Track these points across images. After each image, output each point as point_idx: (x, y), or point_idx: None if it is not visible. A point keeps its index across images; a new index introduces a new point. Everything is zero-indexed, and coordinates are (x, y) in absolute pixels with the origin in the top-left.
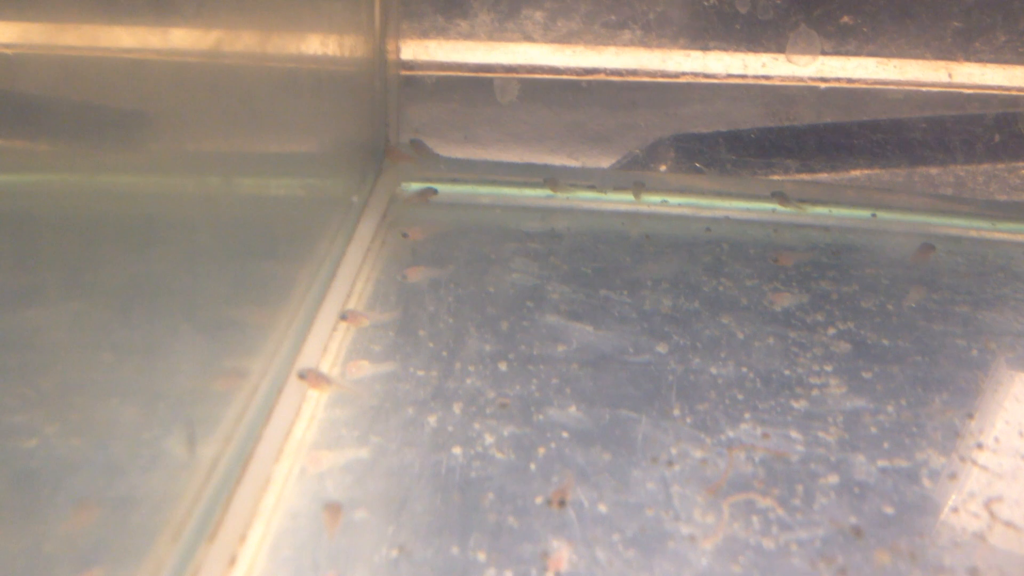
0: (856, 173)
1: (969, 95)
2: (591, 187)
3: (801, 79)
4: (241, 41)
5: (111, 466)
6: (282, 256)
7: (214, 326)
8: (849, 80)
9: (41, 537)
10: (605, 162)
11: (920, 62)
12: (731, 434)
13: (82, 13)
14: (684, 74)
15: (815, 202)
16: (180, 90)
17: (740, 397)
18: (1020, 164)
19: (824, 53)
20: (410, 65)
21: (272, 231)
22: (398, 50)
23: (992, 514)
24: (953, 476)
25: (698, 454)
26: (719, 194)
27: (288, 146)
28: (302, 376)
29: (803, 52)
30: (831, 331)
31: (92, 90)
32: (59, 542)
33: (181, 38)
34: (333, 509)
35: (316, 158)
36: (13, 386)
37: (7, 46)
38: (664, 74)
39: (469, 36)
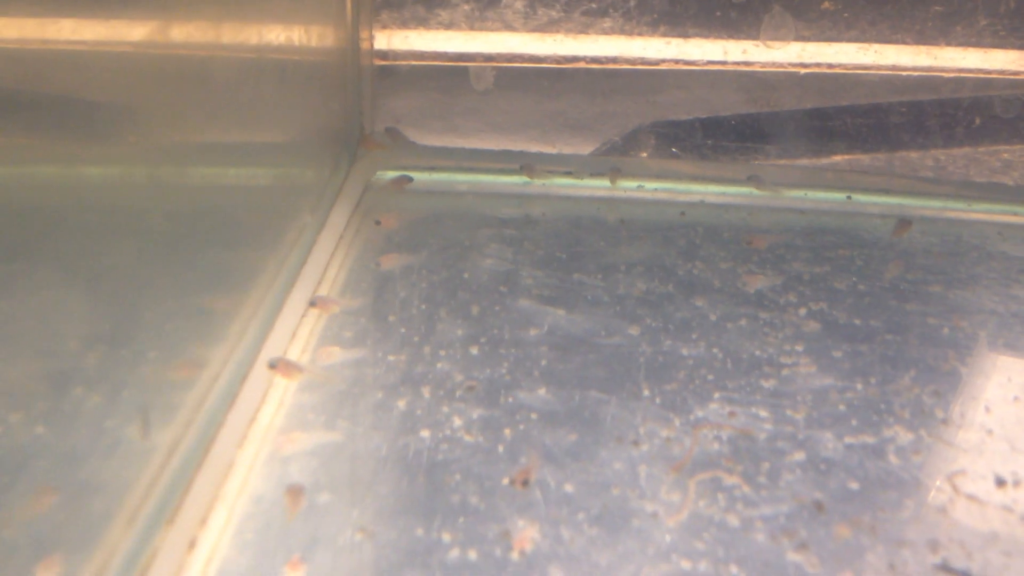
0: (836, 158)
1: (949, 79)
2: (568, 173)
3: (781, 65)
4: (205, 31)
5: (72, 454)
6: (248, 245)
7: (178, 314)
8: (829, 65)
9: (1, 524)
10: (585, 150)
11: (901, 47)
12: (699, 414)
13: (41, 5)
14: (664, 61)
15: (791, 185)
16: (144, 80)
17: (710, 377)
18: (1000, 147)
19: (804, 39)
20: (388, 55)
21: (237, 220)
22: (372, 39)
23: (955, 487)
24: (918, 451)
25: (665, 433)
26: (695, 179)
27: (254, 135)
28: (272, 366)
29: (779, 36)
30: (803, 311)
31: (54, 82)
32: (18, 528)
33: (144, 28)
34: (295, 492)
35: (284, 147)
36: None
37: None
38: (644, 61)
39: (450, 26)
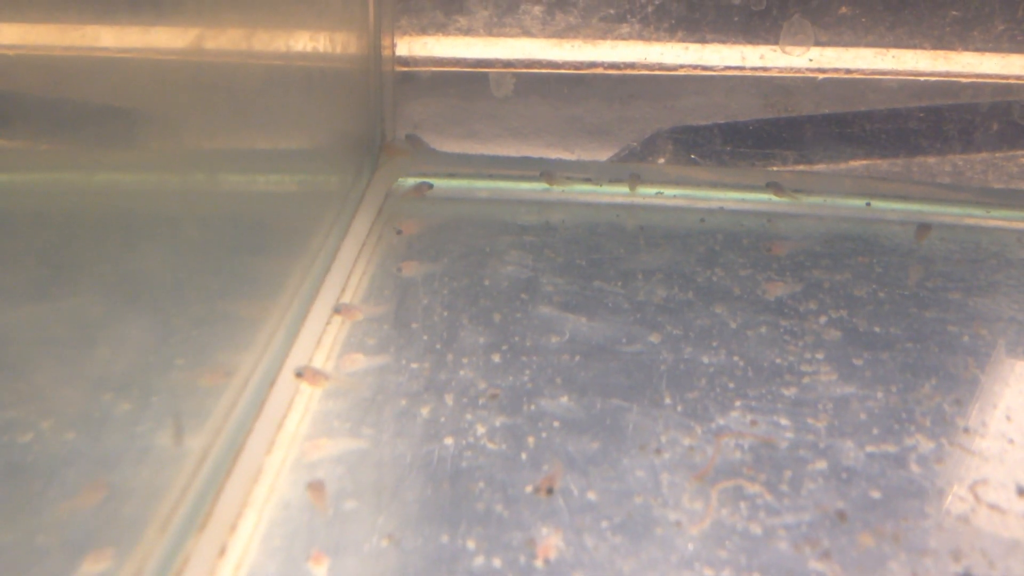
0: (854, 163)
1: (967, 84)
2: (587, 180)
3: (799, 70)
4: (234, 39)
5: (103, 459)
6: (276, 251)
7: (207, 321)
8: (847, 71)
9: (34, 529)
10: (603, 156)
11: (918, 52)
12: (721, 422)
13: (77, 13)
14: (682, 67)
15: (810, 192)
16: (174, 88)
17: (731, 385)
18: (1018, 152)
19: (821, 44)
20: (408, 61)
21: (265, 226)
22: (393, 46)
23: (977, 497)
24: (940, 460)
25: (687, 442)
26: (714, 185)
27: (281, 142)
28: (299, 374)
29: (797, 42)
30: (823, 319)
31: (88, 89)
32: (51, 534)
33: (174, 37)
34: (316, 487)
35: (310, 154)
36: (8, 382)
37: (15, 47)
38: (662, 67)
39: (468, 32)
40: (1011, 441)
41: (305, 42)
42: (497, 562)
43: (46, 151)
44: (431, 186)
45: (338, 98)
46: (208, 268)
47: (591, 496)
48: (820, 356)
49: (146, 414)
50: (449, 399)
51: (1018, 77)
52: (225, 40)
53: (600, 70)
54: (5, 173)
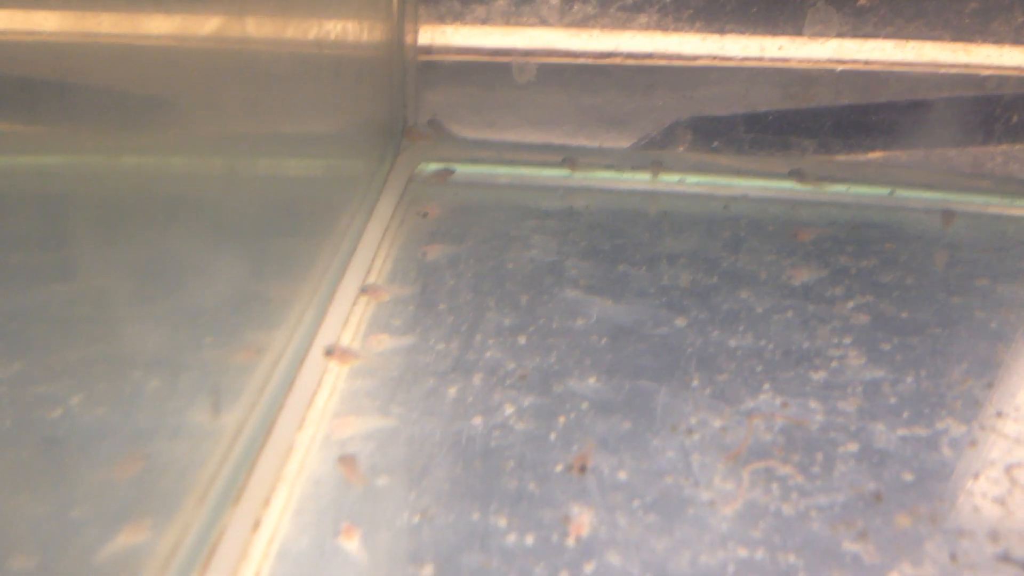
0: (874, 154)
1: (987, 76)
2: (609, 167)
3: (818, 61)
4: (262, 26)
5: (136, 434)
6: (304, 233)
7: (238, 300)
8: (866, 62)
9: (68, 502)
10: (623, 145)
11: (938, 43)
12: (751, 404)
13: (114, 2)
14: (701, 57)
15: (833, 180)
16: (207, 76)
17: (759, 368)
18: None
19: (842, 35)
20: (428, 50)
21: (294, 209)
22: (416, 34)
23: (1013, 480)
24: (973, 443)
25: (717, 423)
26: (737, 173)
27: (309, 128)
28: (329, 353)
29: (820, 32)
30: (850, 304)
31: (125, 77)
32: (90, 503)
33: (205, 24)
34: (348, 460)
35: (336, 139)
36: (40, 357)
37: (48, 34)
38: (681, 57)
39: (486, 21)
40: None
41: (331, 30)
42: (530, 539)
43: (84, 135)
44: (453, 171)
45: (362, 85)
46: (239, 249)
47: (622, 476)
48: (848, 341)
49: (177, 390)
50: (477, 379)
51: None
52: (254, 27)
53: (619, 60)
54: (38, 156)
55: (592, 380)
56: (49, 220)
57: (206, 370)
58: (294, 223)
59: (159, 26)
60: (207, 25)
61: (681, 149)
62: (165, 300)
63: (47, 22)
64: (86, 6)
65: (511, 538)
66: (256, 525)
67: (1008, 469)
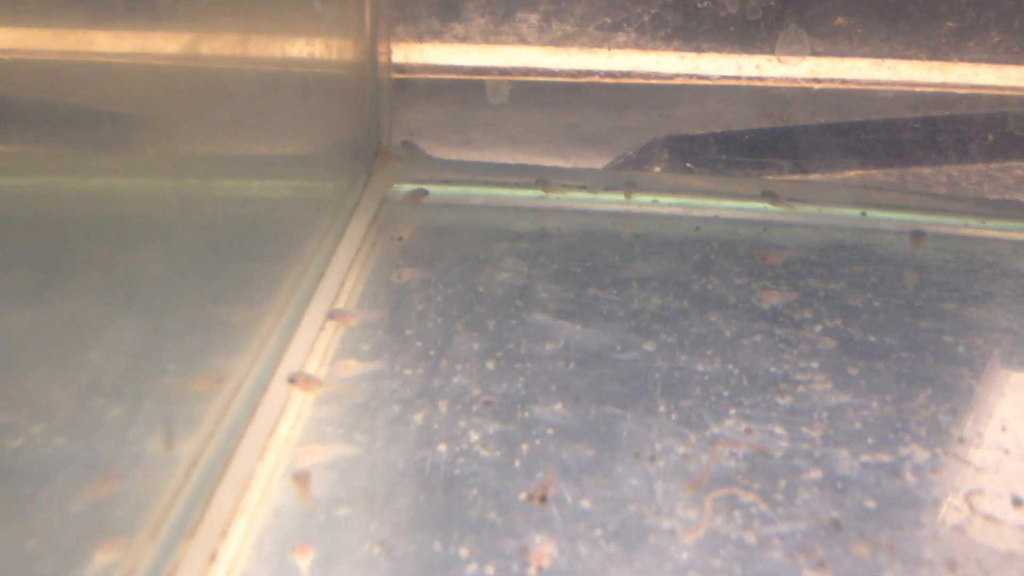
0: (850, 174)
1: (963, 95)
2: (582, 187)
3: (795, 80)
4: (230, 44)
5: (94, 465)
6: (270, 257)
7: (199, 326)
8: (843, 81)
9: (24, 534)
10: (599, 163)
11: (914, 62)
12: (715, 430)
13: (72, 18)
14: (678, 76)
15: (805, 201)
16: (169, 93)
17: (725, 394)
18: (1014, 163)
19: (817, 54)
20: (405, 68)
21: (260, 232)
22: (389, 53)
23: (972, 507)
24: (935, 470)
25: (681, 450)
26: (710, 194)
27: (276, 148)
28: (292, 380)
29: (793, 52)
30: (818, 328)
31: (83, 94)
32: (41, 540)
33: (168, 42)
34: (301, 478)
35: (304, 160)
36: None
37: (6, 51)
38: (658, 76)
39: (464, 39)
40: (1006, 452)
41: (301, 48)
42: (490, 570)
43: (40, 155)
44: (426, 193)
45: (333, 104)
46: (202, 273)
47: (585, 504)
48: (815, 365)
49: (137, 419)
50: (443, 406)
51: (1014, 88)
52: (221, 45)
53: (596, 79)
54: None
55: (558, 406)
56: (9, 243)
57: (164, 399)
58: (260, 246)
59: (124, 44)
60: (173, 43)
61: (657, 169)
62: (126, 325)
63: (10, 39)
64: (47, 23)
65: (471, 568)
66: (213, 557)
67: (968, 496)
